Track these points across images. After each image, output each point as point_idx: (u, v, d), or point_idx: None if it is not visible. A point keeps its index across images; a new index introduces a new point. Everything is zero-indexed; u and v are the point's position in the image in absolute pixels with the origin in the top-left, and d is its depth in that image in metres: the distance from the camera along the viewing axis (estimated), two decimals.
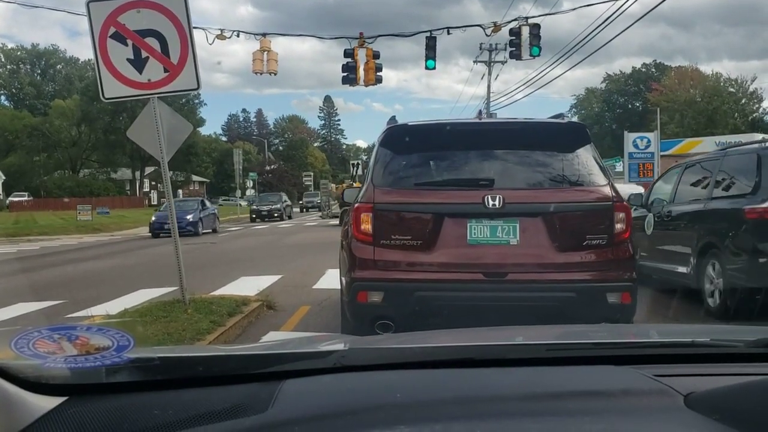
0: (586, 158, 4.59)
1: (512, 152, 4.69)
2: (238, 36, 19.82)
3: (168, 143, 5.94)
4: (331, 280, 9.58)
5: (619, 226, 4.37)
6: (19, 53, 78.33)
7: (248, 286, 8.66)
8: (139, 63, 5.70)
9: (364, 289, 4.32)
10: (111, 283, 10.21)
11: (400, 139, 4.78)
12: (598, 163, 4.61)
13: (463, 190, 4.49)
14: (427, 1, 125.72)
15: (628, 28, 23.28)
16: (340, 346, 1.52)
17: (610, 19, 18.68)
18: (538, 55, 20.16)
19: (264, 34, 19.80)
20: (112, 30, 5.64)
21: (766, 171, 6.30)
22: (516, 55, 20.37)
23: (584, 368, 1.37)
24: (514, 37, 20.01)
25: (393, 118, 5.19)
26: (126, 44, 5.67)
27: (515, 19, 20.02)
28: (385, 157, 4.67)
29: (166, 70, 5.74)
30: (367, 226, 4.37)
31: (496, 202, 4.26)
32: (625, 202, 4.65)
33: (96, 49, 5.67)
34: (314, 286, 8.89)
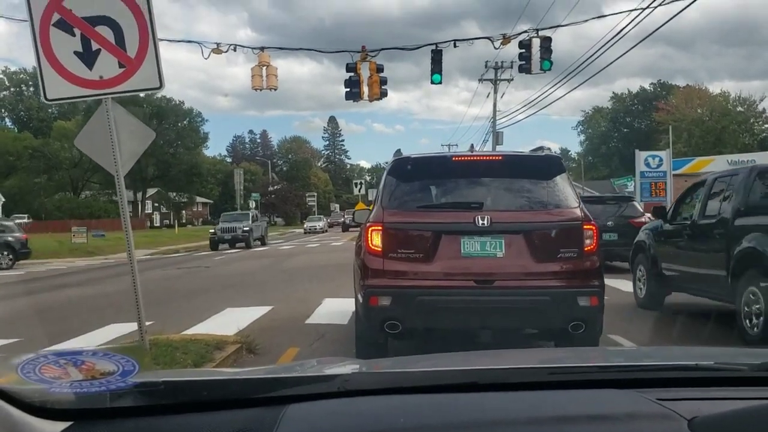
0: (561, 185, 5.38)
1: (498, 180, 5.47)
2: (234, 50, 18.88)
3: (125, 154, 4.90)
4: (328, 311, 8.51)
5: (587, 242, 5.10)
6: (21, 76, 77.91)
7: (231, 321, 7.56)
8: (88, 57, 4.69)
9: (375, 295, 5.00)
10: (82, 316, 9.14)
11: (405, 168, 5.56)
12: (570, 189, 5.40)
13: (457, 211, 5.26)
14: (425, 24, 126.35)
15: (629, 50, 22.92)
16: (343, 371, 1.53)
17: (611, 42, 18.11)
18: (549, 69, 19.18)
19: (262, 48, 18.91)
20: (55, 17, 4.65)
21: None
22: (526, 69, 19.41)
23: (587, 392, 1.39)
24: (523, 50, 19.06)
25: (398, 151, 5.98)
26: (73, 34, 4.67)
27: (525, 31, 19.13)
28: (392, 183, 5.43)
29: (121, 65, 4.73)
30: (377, 242, 5.08)
31: (485, 222, 5.00)
32: (592, 222, 5.28)
33: (36, 40, 4.66)
34: (307, 321, 7.78)
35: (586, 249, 5.09)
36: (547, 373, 1.56)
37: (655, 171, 36.79)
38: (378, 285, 5.00)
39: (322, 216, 58.58)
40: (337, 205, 71.66)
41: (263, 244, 30.77)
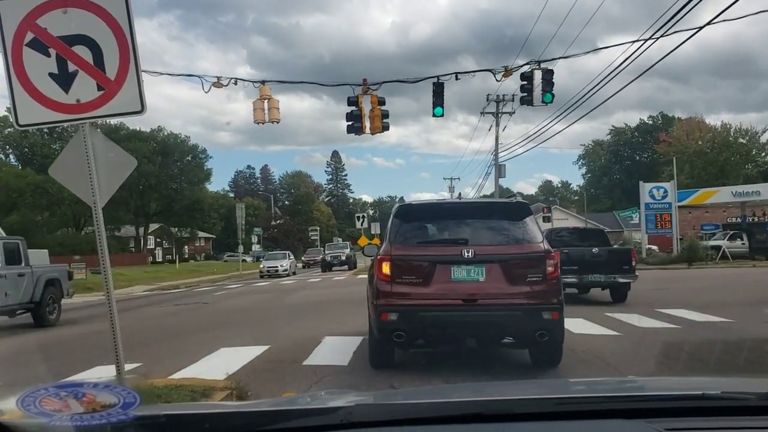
0: (529, 225, 6.68)
1: (480, 221, 6.86)
2: (236, 84, 18.81)
3: (103, 183, 4.52)
4: (328, 351, 8.03)
5: (549, 269, 6.30)
6: None
7: (224, 363, 7.06)
8: (65, 79, 4.35)
9: (385, 311, 6.21)
10: (67, 357, 8.64)
11: (407, 213, 6.95)
12: (536, 228, 6.73)
13: (448, 245, 6.53)
14: (423, 59, 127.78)
15: (627, 84, 23.28)
16: (347, 402, 1.49)
17: (609, 77, 18.38)
18: (551, 101, 18.98)
19: (263, 82, 18.76)
20: (29, 36, 4.32)
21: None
22: (527, 101, 19.22)
23: (594, 422, 1.39)
24: (525, 82, 18.90)
25: (401, 199, 7.91)
26: (48, 54, 4.34)
27: (527, 63, 18.96)
28: (397, 224, 6.72)
29: (100, 88, 4.38)
30: (386, 270, 6.32)
31: (470, 254, 6.24)
32: (553, 253, 6.45)
33: (8, 61, 4.33)
34: (305, 362, 7.28)
35: (548, 274, 6.33)
36: (553, 404, 1.53)
37: (660, 202, 36.45)
38: (388, 304, 6.25)
39: (287, 252, 41.71)
40: (340, 239, 69.69)
41: (43, 321, 12.82)
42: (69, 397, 1.22)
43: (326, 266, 37.57)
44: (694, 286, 18.84)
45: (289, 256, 39.34)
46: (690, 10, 13.50)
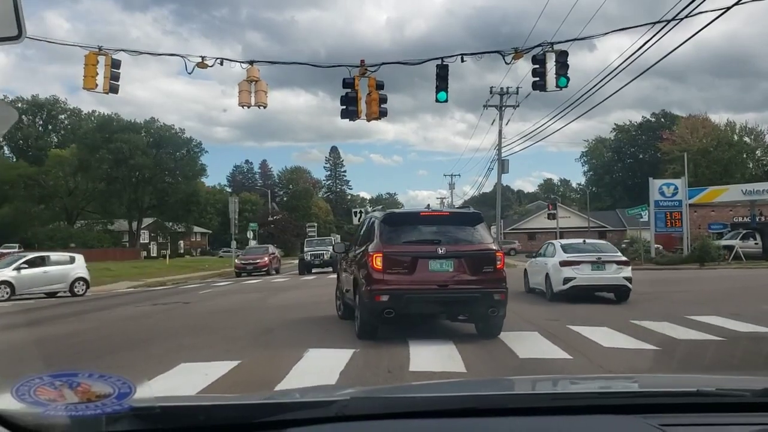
0: (482, 229, 9.05)
1: (448, 226, 9.03)
2: (221, 64, 17.42)
3: None
4: (309, 369, 6.57)
5: (498, 262, 8.61)
6: (19, 105, 76.25)
7: (178, 386, 5.64)
8: None
9: (378, 294, 8.21)
10: (12, 367, 7.17)
11: (393, 219, 9.18)
12: (487, 232, 9.27)
13: (426, 244, 8.62)
14: (419, 56, 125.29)
15: (628, 84, 22.44)
16: (342, 396, 1.50)
17: (609, 76, 17.70)
18: (566, 86, 17.56)
19: (251, 62, 17.29)
20: None
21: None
22: (540, 86, 17.72)
23: (589, 418, 1.37)
24: (537, 66, 17.43)
25: (384, 207, 13.33)
26: None
27: (539, 45, 17.48)
28: (385, 227, 8.84)
29: None
30: (378, 263, 8.33)
31: (442, 251, 8.44)
32: (501, 250, 8.98)
33: None
34: (278, 386, 5.80)
35: (497, 266, 8.53)
36: (548, 399, 1.59)
37: (670, 200, 34.89)
38: (380, 288, 8.15)
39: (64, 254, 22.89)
40: (338, 236, 67.38)
41: None
42: (64, 386, 1.20)
43: (305, 267, 30.79)
44: (714, 288, 17.50)
45: (72, 260, 21.52)
46: (692, 11, 12.84)
